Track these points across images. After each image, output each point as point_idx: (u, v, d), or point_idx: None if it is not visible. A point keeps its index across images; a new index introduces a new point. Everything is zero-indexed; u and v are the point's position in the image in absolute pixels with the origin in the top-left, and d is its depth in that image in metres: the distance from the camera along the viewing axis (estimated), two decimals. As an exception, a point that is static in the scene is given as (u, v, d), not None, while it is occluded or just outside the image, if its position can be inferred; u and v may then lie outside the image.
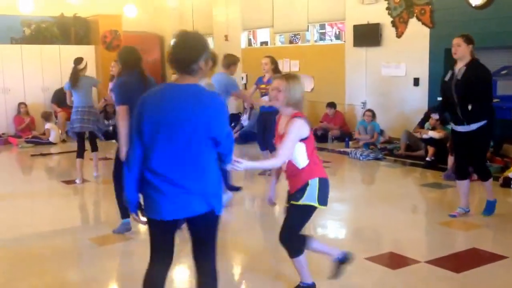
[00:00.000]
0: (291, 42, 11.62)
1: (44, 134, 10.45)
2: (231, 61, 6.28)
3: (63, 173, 7.97)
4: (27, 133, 10.55)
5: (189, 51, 2.58)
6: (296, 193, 3.23)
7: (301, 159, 3.18)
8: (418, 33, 8.32)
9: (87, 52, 11.25)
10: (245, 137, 9.43)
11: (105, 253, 4.56)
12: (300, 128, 3.14)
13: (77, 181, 6.90)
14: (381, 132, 8.82)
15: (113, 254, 4.57)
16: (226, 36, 11.92)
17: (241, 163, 2.78)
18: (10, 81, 10.77)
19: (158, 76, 14.63)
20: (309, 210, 3.25)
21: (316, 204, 3.23)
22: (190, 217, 2.59)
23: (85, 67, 6.96)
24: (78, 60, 6.94)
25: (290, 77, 3.25)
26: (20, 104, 10.75)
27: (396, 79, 8.80)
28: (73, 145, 7.37)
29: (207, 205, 2.56)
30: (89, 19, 12.09)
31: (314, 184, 3.21)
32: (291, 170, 3.23)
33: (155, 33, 14.13)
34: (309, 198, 3.20)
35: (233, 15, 11.79)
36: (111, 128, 9.92)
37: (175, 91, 2.58)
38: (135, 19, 12.30)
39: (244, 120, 10.20)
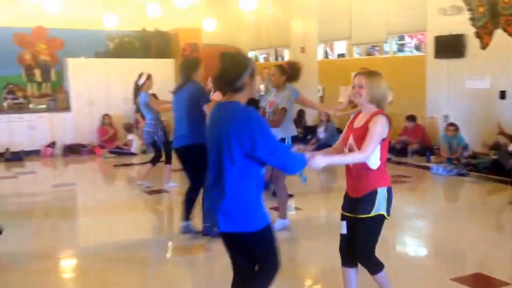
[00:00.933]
0: (368, 54, 11.39)
1: (126, 144, 10.88)
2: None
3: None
4: (110, 143, 10.99)
5: (230, 70, 2.69)
6: (363, 203, 3.04)
7: (374, 159, 3.03)
8: (504, 44, 7.89)
9: (167, 65, 11.66)
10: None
11: (188, 263, 4.61)
12: (383, 126, 3.01)
13: (171, 184, 7.35)
14: (465, 147, 8.39)
15: (195, 265, 4.60)
16: (302, 48, 11.89)
17: (316, 161, 2.77)
18: (95, 94, 11.29)
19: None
20: (381, 220, 3.08)
21: (385, 213, 3.06)
22: (225, 232, 2.69)
23: (145, 83, 7.21)
24: (139, 76, 7.28)
25: (372, 73, 3.12)
26: (104, 115, 11.23)
27: (480, 92, 8.36)
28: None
29: (232, 225, 2.63)
30: (169, 33, 12.50)
31: (383, 193, 3.05)
32: (357, 170, 3.06)
33: (233, 46, 14.35)
34: (380, 207, 3.04)
35: (310, 27, 11.75)
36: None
37: (219, 109, 2.74)
38: (214, 32, 12.57)
39: (321, 133, 10.08)
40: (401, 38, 10.80)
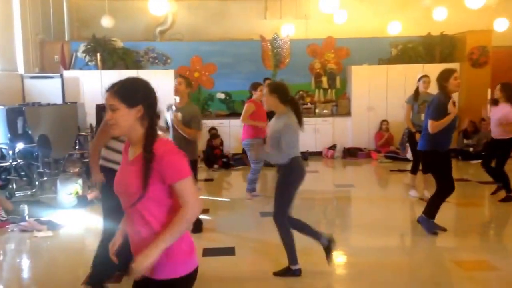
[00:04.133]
0: None
1: (399, 149, 10.89)
2: None
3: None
4: (386, 148, 11.14)
5: None
6: None
7: None
8: None
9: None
10: None
11: (468, 279, 4.34)
12: None
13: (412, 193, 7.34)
14: None
15: (478, 283, 4.28)
16: None
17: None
18: (374, 100, 11.57)
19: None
20: None
21: None
22: None
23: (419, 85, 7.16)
24: (418, 78, 7.09)
25: None
26: (382, 121, 11.44)
27: None
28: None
29: None
30: (455, 36, 11.93)
31: None
32: None
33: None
34: None
35: None
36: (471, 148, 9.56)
37: None
38: (506, 33, 11.47)
39: None
40: None
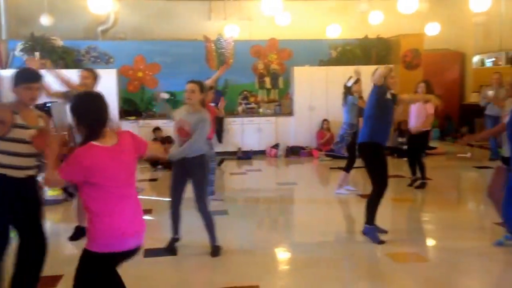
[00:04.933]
0: None
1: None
2: None
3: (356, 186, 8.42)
4: (327, 146, 11.55)
5: None
6: None
7: None
8: None
9: (386, 71, 11.68)
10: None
11: (400, 270, 4.64)
12: None
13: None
14: None
15: (410, 274, 4.59)
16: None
17: None
18: (316, 100, 11.95)
19: (456, 95, 14.12)
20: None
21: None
22: None
23: (352, 86, 7.53)
24: (348, 78, 7.54)
25: None
26: (323, 120, 11.85)
27: None
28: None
29: None
30: (390, 39, 12.50)
31: None
32: None
33: (457, 51, 13.72)
34: None
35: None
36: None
37: None
38: (437, 37, 12.16)
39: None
40: None
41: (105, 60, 11.72)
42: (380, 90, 5.36)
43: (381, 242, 5.32)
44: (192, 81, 5.04)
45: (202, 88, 5.03)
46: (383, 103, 5.39)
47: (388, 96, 5.43)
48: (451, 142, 12.92)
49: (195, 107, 4.96)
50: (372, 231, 5.45)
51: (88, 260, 2.88)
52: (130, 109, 11.83)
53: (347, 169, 7.71)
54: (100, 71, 5.99)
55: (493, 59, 13.00)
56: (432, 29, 11.97)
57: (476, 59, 13.52)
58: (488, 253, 4.99)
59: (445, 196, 7.76)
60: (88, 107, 2.88)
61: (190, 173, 4.97)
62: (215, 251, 5.04)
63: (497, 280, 4.52)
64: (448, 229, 5.93)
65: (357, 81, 7.52)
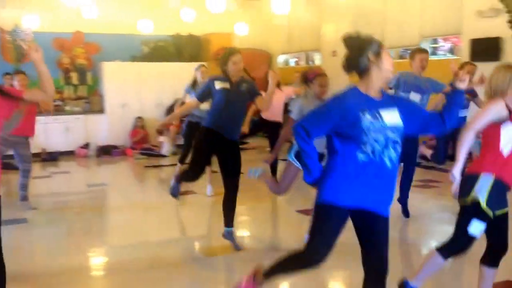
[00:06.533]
0: (401, 57, 11.23)
1: (156, 146, 11.07)
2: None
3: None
4: (141, 145, 11.21)
5: (352, 51, 2.63)
6: None
7: None
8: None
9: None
10: None
11: (211, 264, 4.64)
12: None
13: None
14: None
15: (219, 266, 4.64)
16: (334, 52, 11.84)
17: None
18: (128, 97, 11.51)
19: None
20: None
21: None
22: None
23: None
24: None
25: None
26: (137, 118, 11.45)
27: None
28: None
29: None
30: (202, 37, 12.65)
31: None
32: None
33: (265, 50, 14.45)
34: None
35: (343, 30, 11.63)
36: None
37: None
38: (246, 36, 12.65)
39: None
40: (435, 41, 10.61)
41: None
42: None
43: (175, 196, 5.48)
44: None
45: None
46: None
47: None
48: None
49: None
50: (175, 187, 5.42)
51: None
52: None
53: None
54: None
55: (296, 59, 14.02)
56: (241, 29, 12.43)
57: (281, 58, 14.42)
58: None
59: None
60: None
61: None
62: None
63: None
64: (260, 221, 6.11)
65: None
